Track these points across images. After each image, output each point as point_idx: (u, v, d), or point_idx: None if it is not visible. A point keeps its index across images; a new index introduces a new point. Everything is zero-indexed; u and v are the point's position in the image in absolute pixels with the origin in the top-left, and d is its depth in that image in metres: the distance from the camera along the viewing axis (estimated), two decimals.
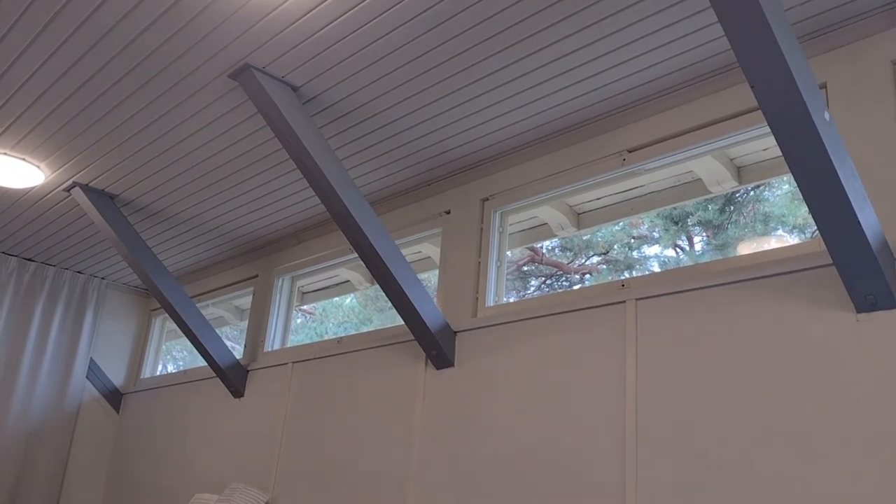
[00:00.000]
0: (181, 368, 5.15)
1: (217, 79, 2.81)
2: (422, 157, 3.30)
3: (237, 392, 4.20)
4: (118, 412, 5.27)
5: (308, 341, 4.16)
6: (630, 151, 2.81)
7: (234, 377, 4.17)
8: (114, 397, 5.25)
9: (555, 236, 3.32)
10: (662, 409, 2.39)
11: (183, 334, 4.26)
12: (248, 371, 4.23)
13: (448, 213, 3.45)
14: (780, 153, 2.58)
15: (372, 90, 2.81)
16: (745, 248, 3.24)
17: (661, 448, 2.35)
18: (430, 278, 3.76)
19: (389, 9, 2.36)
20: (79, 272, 5.13)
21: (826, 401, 2.06)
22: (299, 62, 2.67)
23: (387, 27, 2.45)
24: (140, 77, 2.84)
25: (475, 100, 2.82)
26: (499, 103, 2.83)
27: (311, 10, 2.40)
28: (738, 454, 2.18)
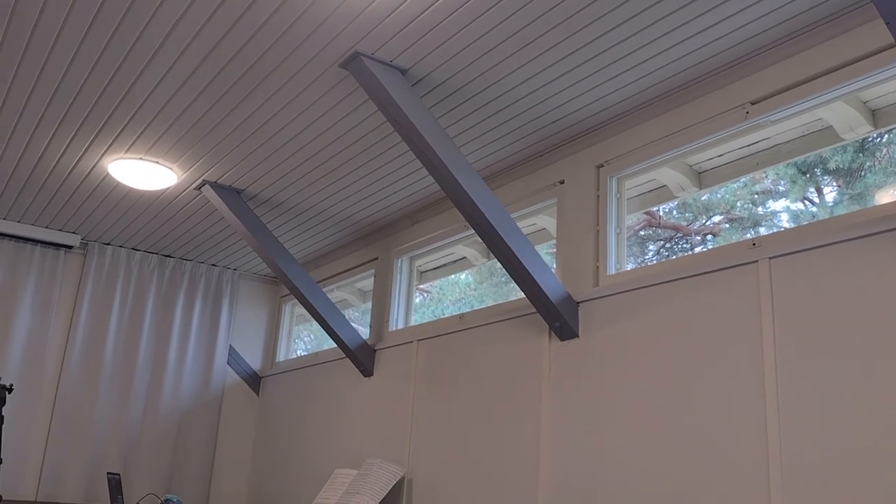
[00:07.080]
0: (310, 351, 5.38)
1: (328, 70, 2.89)
2: (533, 129, 3.28)
3: (366, 371, 4.35)
4: (258, 395, 5.58)
5: (428, 320, 4.24)
6: (753, 103, 2.68)
7: (362, 357, 4.32)
8: (253, 381, 5.57)
9: (675, 198, 3.21)
10: (805, 373, 2.29)
11: (312, 318, 4.44)
12: (375, 350, 4.36)
13: (562, 182, 3.42)
14: None
15: (479, 66, 2.81)
16: (884, 197, 3.03)
17: (805, 416, 2.26)
18: (547, 250, 3.74)
19: None
20: (213, 265, 5.44)
21: None
22: (406, 45, 2.71)
23: (489, 1, 2.44)
24: (256, 76, 2.96)
25: (584, 65, 2.77)
26: (609, 66, 2.77)
27: None
28: (890, 421, 2.06)
